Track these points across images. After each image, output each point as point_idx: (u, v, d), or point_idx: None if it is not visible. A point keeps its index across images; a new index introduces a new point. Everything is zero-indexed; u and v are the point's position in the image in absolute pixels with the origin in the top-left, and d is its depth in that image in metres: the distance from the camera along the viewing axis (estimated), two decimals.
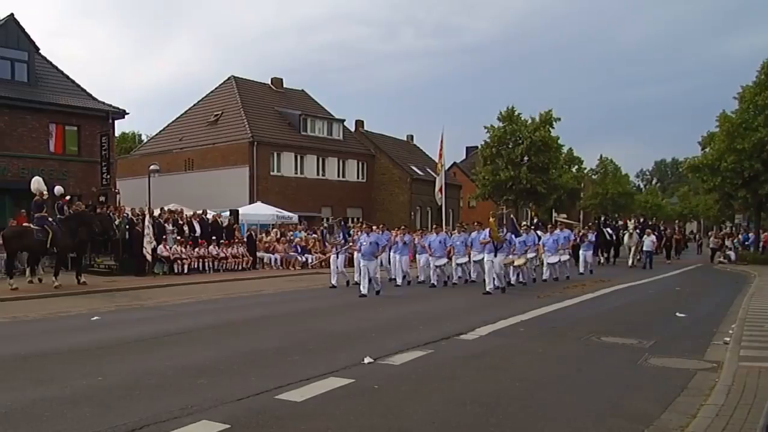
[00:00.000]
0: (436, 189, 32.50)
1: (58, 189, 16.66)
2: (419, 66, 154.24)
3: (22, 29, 24.42)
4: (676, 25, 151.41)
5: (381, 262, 17.14)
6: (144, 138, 56.97)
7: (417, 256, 19.18)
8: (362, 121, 46.83)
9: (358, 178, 42.65)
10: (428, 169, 43.48)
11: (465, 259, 17.50)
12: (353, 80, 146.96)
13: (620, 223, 34.13)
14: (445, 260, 17.40)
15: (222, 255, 21.57)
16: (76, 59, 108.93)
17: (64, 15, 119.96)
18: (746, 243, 31.66)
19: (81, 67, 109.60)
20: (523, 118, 36.90)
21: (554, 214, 40.20)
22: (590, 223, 39.12)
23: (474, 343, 8.64)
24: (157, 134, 43.58)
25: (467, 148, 62.78)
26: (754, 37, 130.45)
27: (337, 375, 6.40)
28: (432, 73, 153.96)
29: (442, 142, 31.53)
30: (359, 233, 17.20)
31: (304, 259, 24.10)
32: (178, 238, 20.85)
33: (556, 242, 19.49)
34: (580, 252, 23.05)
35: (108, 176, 24.99)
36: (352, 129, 45.16)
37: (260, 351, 7.92)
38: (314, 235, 26.03)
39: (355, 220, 31.53)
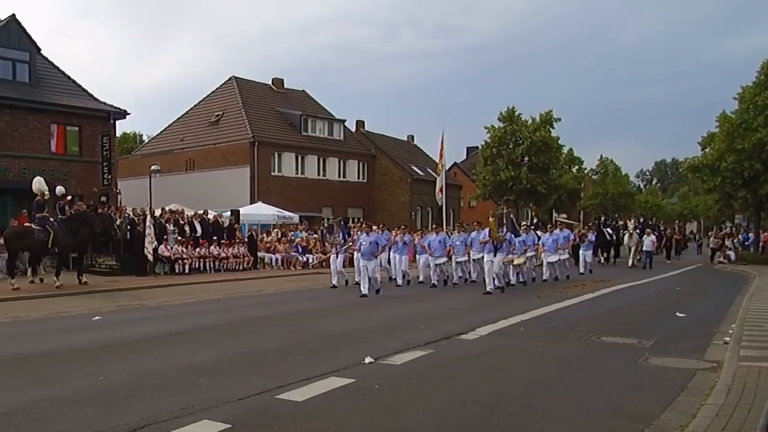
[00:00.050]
0: (437, 189, 32.50)
1: (60, 189, 16.68)
2: (420, 66, 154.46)
3: (24, 30, 24.46)
4: (676, 25, 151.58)
5: (381, 262, 17.16)
6: (145, 138, 57.02)
7: (417, 256, 19.19)
8: (363, 122, 46.89)
9: (358, 178, 42.67)
10: (429, 170, 43.49)
11: (465, 258, 17.54)
12: (354, 80, 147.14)
13: (620, 223, 34.13)
14: (444, 259, 17.43)
15: (223, 255, 21.60)
16: (77, 59, 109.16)
17: (65, 15, 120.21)
18: (746, 243, 31.67)
19: (82, 68, 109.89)
20: (523, 119, 36.95)
21: (554, 214, 40.19)
22: (590, 223, 39.13)
23: (474, 342, 8.65)
24: (158, 134, 43.62)
25: (468, 148, 62.81)
26: (754, 37, 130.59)
27: (337, 375, 6.42)
28: (432, 73, 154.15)
29: (442, 142, 31.54)
30: (359, 233, 17.23)
31: (304, 259, 24.12)
32: (179, 238, 20.88)
33: (555, 242, 19.51)
34: (580, 252, 23.07)
35: (109, 176, 25.02)
36: (353, 129, 45.19)
37: (261, 351, 7.94)
38: (315, 235, 26.05)
39: (356, 220, 31.53)
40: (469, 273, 18.00)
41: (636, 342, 8.62)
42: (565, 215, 39.52)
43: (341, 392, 5.84)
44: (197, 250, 21.05)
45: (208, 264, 21.01)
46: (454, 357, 7.61)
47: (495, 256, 15.23)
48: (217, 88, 41.27)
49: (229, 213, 24.86)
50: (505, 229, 15.43)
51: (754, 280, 18.98)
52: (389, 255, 18.47)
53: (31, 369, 6.77)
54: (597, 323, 10.47)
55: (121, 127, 39.26)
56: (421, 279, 18.17)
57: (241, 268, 21.75)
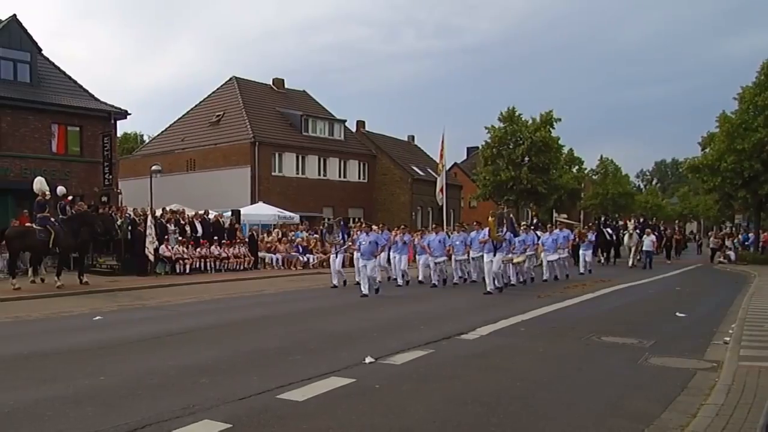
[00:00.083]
0: (437, 189, 32.53)
1: (61, 189, 16.70)
2: (420, 67, 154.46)
3: (25, 30, 24.48)
4: (676, 25, 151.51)
5: (380, 262, 17.19)
6: (146, 138, 57.05)
7: (417, 256, 19.22)
8: (363, 122, 46.92)
9: (359, 178, 42.70)
10: (429, 170, 43.50)
11: (464, 257, 17.61)
12: (354, 81, 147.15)
13: (620, 223, 34.13)
14: (444, 258, 17.48)
15: (224, 255, 21.62)
16: (78, 60, 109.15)
17: (65, 16, 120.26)
18: (746, 243, 31.68)
19: (83, 68, 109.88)
20: (523, 119, 36.94)
21: (555, 215, 40.21)
22: (590, 223, 39.13)
23: (475, 342, 8.66)
24: (159, 135, 43.66)
25: (468, 148, 62.85)
26: (754, 37, 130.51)
27: (338, 375, 6.42)
28: (433, 73, 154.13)
29: (443, 142, 31.57)
30: (358, 233, 17.26)
31: (305, 259, 24.14)
32: (180, 238, 20.91)
33: (555, 242, 19.54)
34: (580, 252, 23.10)
35: (110, 176, 25.05)
36: (354, 129, 45.22)
37: (262, 351, 7.95)
38: (315, 235, 26.08)
39: (356, 220, 31.54)
40: (468, 273, 18.03)
41: (636, 342, 8.63)
42: (565, 215, 39.53)
43: (342, 392, 5.85)
44: (198, 250, 21.07)
45: (208, 264, 21.03)
46: (455, 357, 7.62)
47: (495, 255, 15.24)
48: (217, 89, 41.31)
49: (229, 213, 24.89)
50: (504, 229, 15.43)
51: (754, 280, 18.97)
52: (389, 255, 18.51)
53: (32, 369, 6.78)
54: (597, 323, 10.48)
55: (122, 127, 39.30)
56: (420, 279, 18.18)
57: (241, 268, 21.77)
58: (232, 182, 34.19)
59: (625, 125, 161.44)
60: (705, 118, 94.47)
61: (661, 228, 34.38)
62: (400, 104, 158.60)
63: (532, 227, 21.82)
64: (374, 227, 18.03)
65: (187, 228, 21.67)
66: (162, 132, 42.98)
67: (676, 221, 54.38)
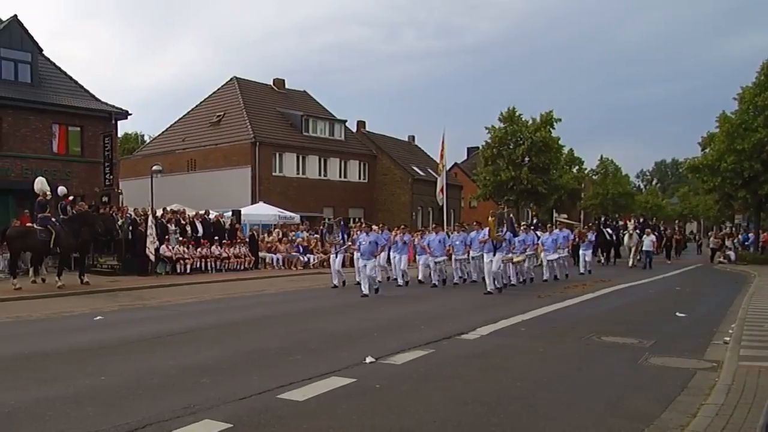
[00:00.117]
0: (438, 189, 32.59)
1: (62, 189, 16.73)
2: (421, 67, 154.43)
3: (26, 30, 24.51)
4: (676, 25, 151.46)
5: (380, 261, 17.21)
6: (147, 139, 57.08)
7: (417, 256, 19.22)
8: (364, 122, 46.92)
9: (359, 178, 42.71)
10: (429, 170, 43.52)
11: (464, 256, 17.69)
12: (355, 81, 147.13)
13: (620, 223, 34.15)
14: (444, 258, 17.52)
15: (224, 255, 21.63)
16: (79, 60, 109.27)
17: (66, 16, 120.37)
18: (746, 243, 31.69)
19: (84, 68, 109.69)
20: (524, 119, 36.96)
21: (555, 215, 40.23)
22: (590, 224, 39.14)
23: (475, 342, 8.67)
24: (159, 135, 43.67)
25: (468, 148, 62.87)
26: (754, 37, 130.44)
27: (338, 374, 6.43)
28: (433, 74, 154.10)
29: (443, 142, 31.63)
30: (358, 232, 17.28)
31: (306, 259, 24.15)
32: (181, 238, 20.93)
33: (555, 242, 19.58)
34: (580, 252, 23.16)
35: (111, 177, 25.08)
36: (354, 130, 45.22)
37: (262, 350, 7.95)
38: (316, 236, 26.09)
39: (357, 220, 31.58)
40: (468, 273, 18.06)
41: (636, 342, 8.64)
42: (565, 215, 39.60)
43: (342, 392, 5.85)
44: (198, 250, 21.08)
45: (209, 264, 21.04)
46: (455, 357, 7.63)
47: (494, 255, 15.26)
48: (218, 89, 41.34)
49: (230, 213, 24.91)
50: (504, 229, 15.46)
51: (754, 280, 18.98)
52: (389, 254, 18.54)
53: (32, 369, 6.79)
54: (597, 323, 10.48)
55: (123, 127, 39.08)
56: (420, 279, 18.19)
57: (242, 268, 21.78)
58: (232, 182, 34.21)
59: (625, 125, 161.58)
60: (705, 118, 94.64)
61: (661, 228, 34.38)
62: (400, 104, 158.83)
63: (532, 227, 21.84)
64: (374, 227, 18.06)
65: (188, 228, 21.69)
66: (163, 132, 43.01)
67: (676, 221, 54.40)
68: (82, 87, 26.36)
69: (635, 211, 46.90)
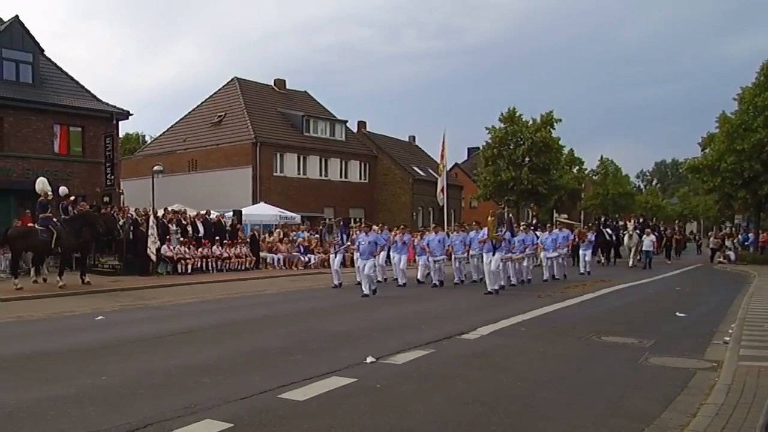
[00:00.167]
0: (438, 189, 32.64)
1: (63, 189, 16.75)
2: (421, 67, 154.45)
3: (27, 31, 24.53)
4: (676, 25, 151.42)
5: (379, 261, 17.23)
6: (148, 139, 57.13)
7: (416, 257, 19.25)
8: (364, 122, 46.92)
9: (360, 178, 42.72)
10: (430, 170, 43.53)
11: (464, 256, 17.78)
12: (356, 81, 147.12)
13: (620, 223, 34.17)
14: (444, 257, 17.56)
15: (225, 255, 21.64)
16: (80, 60, 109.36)
17: (68, 16, 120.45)
18: (746, 243, 31.69)
19: (85, 69, 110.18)
20: (524, 119, 37.01)
21: (555, 215, 40.24)
22: (590, 224, 39.16)
23: (475, 342, 8.68)
24: (160, 135, 43.69)
25: (469, 148, 62.94)
26: (754, 38, 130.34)
27: (339, 374, 6.44)
28: (434, 74, 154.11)
29: (443, 143, 31.68)
30: (357, 232, 17.31)
31: (306, 259, 24.17)
32: (182, 238, 20.94)
33: (554, 241, 19.60)
34: (580, 252, 23.19)
35: (112, 177, 25.10)
36: (355, 130, 45.23)
37: (263, 350, 7.97)
38: (317, 236, 26.12)
39: (356, 220, 31.61)
40: (468, 273, 18.08)
41: (636, 342, 8.65)
42: (565, 215, 39.63)
43: (343, 392, 5.87)
44: (200, 250, 21.10)
45: (210, 264, 21.06)
46: (456, 356, 7.64)
47: (494, 255, 15.27)
48: (219, 89, 41.36)
49: (231, 213, 24.93)
50: (504, 229, 15.48)
51: (753, 280, 18.97)
52: (388, 254, 18.58)
53: (34, 368, 6.81)
54: (597, 323, 10.49)
55: (124, 127, 39.22)
56: (419, 279, 18.20)
57: (243, 268, 21.80)
58: (233, 182, 34.23)
59: (625, 126, 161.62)
60: (705, 118, 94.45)
61: (661, 228, 34.38)
62: (401, 105, 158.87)
63: (532, 227, 21.86)
64: (374, 227, 18.07)
65: (189, 228, 21.70)
66: (164, 132, 43.03)
67: (676, 221, 54.44)
68: (83, 87, 26.39)
69: (635, 212, 46.93)
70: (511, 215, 17.92)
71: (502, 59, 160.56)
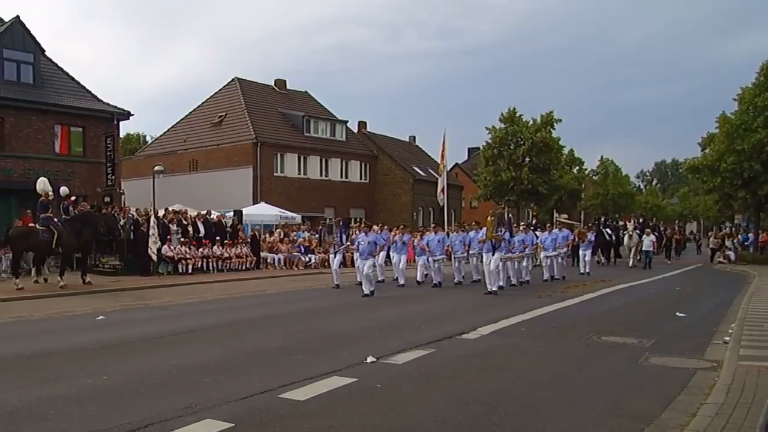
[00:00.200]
0: (438, 190, 32.65)
1: (64, 190, 16.78)
2: (421, 68, 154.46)
3: (28, 31, 24.54)
4: (676, 26, 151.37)
5: (378, 261, 17.25)
6: (148, 139, 57.13)
7: (416, 257, 19.26)
8: (365, 123, 46.94)
9: (360, 178, 42.73)
10: (430, 170, 43.54)
11: (464, 255, 17.82)
12: (356, 82, 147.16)
13: (620, 223, 34.18)
14: (443, 256, 17.59)
15: (226, 255, 21.66)
16: (81, 61, 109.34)
17: (69, 17, 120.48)
18: (746, 243, 31.68)
19: (86, 69, 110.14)
20: (524, 120, 37.01)
21: (555, 215, 40.24)
22: (589, 224, 39.16)
23: (476, 342, 8.69)
24: (161, 135, 43.71)
25: (469, 149, 62.98)
26: (754, 38, 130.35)
27: (340, 374, 6.45)
28: (434, 74, 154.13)
29: (444, 143, 31.70)
30: (357, 232, 17.33)
31: (307, 259, 24.18)
32: (183, 238, 20.96)
33: (554, 241, 19.63)
34: (580, 252, 23.20)
35: (113, 177, 25.11)
36: (355, 130, 45.25)
37: (264, 350, 7.98)
38: (317, 236, 26.13)
39: (356, 220, 31.63)
40: (465, 275, 18.10)
41: (636, 342, 8.66)
42: (565, 215, 39.59)
43: (343, 391, 5.88)
44: (200, 250, 21.12)
45: (211, 264, 21.07)
46: (456, 356, 7.65)
47: (494, 255, 15.29)
48: (220, 89, 41.39)
49: (231, 213, 24.95)
50: (503, 229, 15.50)
51: (753, 280, 18.98)
52: (388, 254, 18.60)
53: (35, 368, 6.82)
54: (597, 323, 10.50)
55: (125, 127, 39.20)
56: (419, 279, 18.21)
57: (243, 268, 21.81)
58: (234, 183, 34.25)
59: (626, 126, 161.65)
60: (705, 118, 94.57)
61: (661, 228, 34.38)
62: (401, 105, 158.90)
63: (531, 227, 21.88)
64: (374, 227, 18.08)
65: (190, 228, 21.72)
66: (164, 133, 43.04)
67: (676, 221, 54.42)
68: (84, 87, 26.39)
69: (635, 212, 46.94)
70: (510, 215, 17.94)
71: (503, 59, 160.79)
